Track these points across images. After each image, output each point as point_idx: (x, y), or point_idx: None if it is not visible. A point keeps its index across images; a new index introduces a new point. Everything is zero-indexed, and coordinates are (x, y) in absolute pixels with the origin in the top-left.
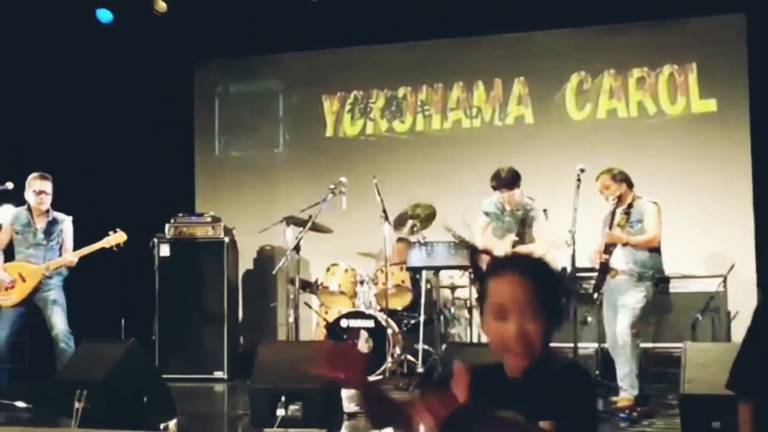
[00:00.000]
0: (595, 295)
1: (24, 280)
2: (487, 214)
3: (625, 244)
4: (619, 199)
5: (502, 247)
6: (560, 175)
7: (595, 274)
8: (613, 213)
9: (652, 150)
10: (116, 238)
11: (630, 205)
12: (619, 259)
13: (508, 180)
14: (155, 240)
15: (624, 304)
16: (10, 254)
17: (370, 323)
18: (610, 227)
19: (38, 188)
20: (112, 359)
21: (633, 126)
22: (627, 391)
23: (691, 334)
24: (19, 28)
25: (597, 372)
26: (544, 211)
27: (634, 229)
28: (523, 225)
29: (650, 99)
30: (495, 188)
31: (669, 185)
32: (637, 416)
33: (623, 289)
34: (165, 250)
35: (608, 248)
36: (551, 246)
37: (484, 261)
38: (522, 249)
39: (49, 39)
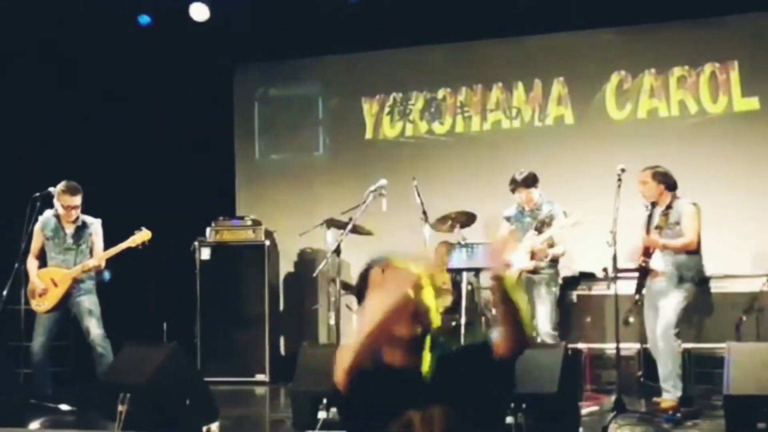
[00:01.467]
0: (637, 297)
1: (56, 285)
2: (508, 218)
3: (663, 248)
4: (657, 201)
5: (522, 248)
6: (601, 175)
7: (635, 274)
8: (650, 214)
9: (693, 149)
10: (141, 236)
11: (669, 207)
12: (659, 261)
13: (524, 180)
14: (196, 244)
15: (665, 305)
16: (42, 260)
17: None
18: (648, 229)
19: (68, 203)
20: (155, 362)
21: (674, 125)
22: (670, 393)
23: (735, 334)
24: (61, 32)
25: (639, 373)
26: (564, 212)
27: (672, 231)
28: (542, 224)
29: (691, 98)
30: (513, 190)
31: (711, 184)
32: (681, 417)
33: (664, 291)
34: (206, 254)
35: (647, 251)
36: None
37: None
38: (537, 248)
39: (92, 43)
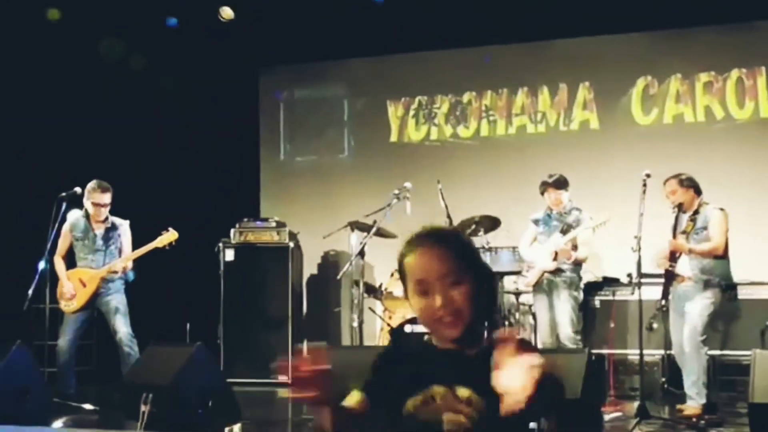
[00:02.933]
0: (662, 302)
1: (84, 285)
2: (536, 222)
3: (689, 252)
4: (682, 205)
5: (546, 249)
6: (626, 180)
7: (660, 280)
8: (676, 218)
9: (720, 155)
10: (168, 237)
11: (696, 212)
12: (685, 266)
13: (555, 181)
14: (220, 245)
15: (690, 310)
16: (71, 260)
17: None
18: (674, 234)
19: (98, 201)
20: (178, 363)
21: (700, 131)
22: (694, 400)
23: (761, 341)
24: (89, 33)
25: (663, 379)
26: (591, 219)
27: (699, 236)
28: (569, 227)
29: (718, 103)
30: (543, 192)
31: (737, 190)
32: (704, 424)
33: (690, 296)
34: (230, 255)
35: (673, 256)
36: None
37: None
38: (561, 248)
39: (119, 44)
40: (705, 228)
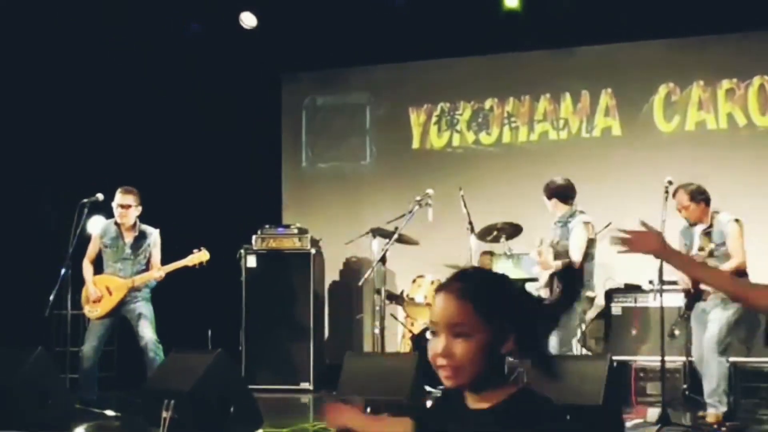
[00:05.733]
0: (686, 312)
1: (110, 293)
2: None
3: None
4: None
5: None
6: (648, 187)
7: (680, 286)
8: (685, 233)
9: (742, 162)
10: (199, 256)
11: (710, 225)
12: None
13: (544, 188)
14: (242, 251)
15: (714, 319)
16: (98, 266)
17: None
18: (688, 251)
19: (119, 202)
20: (200, 369)
21: (722, 138)
22: (715, 407)
23: None
24: (108, 42)
25: (685, 386)
26: (586, 224)
27: (719, 252)
28: (561, 236)
29: (740, 111)
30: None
31: (759, 198)
32: (726, 430)
33: (714, 306)
34: (252, 262)
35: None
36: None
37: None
38: (545, 259)
39: (139, 53)
40: (723, 243)
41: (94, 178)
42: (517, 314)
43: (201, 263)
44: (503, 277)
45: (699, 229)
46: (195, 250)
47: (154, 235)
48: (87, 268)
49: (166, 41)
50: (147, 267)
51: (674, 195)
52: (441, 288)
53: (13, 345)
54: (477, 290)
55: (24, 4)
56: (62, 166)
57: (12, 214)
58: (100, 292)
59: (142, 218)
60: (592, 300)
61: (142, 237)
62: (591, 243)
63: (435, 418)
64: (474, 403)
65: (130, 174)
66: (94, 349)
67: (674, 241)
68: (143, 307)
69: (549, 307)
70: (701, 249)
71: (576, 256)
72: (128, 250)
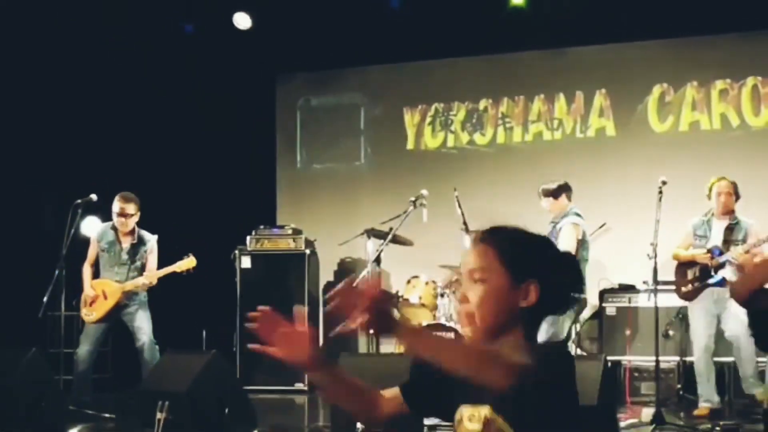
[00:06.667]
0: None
1: (106, 298)
2: None
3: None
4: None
5: None
6: (642, 187)
7: (673, 287)
8: (704, 223)
9: (735, 162)
10: (187, 263)
11: (736, 222)
12: (729, 272)
13: (538, 192)
14: (237, 252)
15: (738, 313)
16: (98, 268)
17: (451, 336)
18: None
19: (118, 210)
20: (194, 370)
21: (716, 138)
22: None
23: None
24: (102, 42)
25: (679, 386)
26: (573, 225)
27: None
28: (551, 237)
29: (733, 111)
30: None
31: (753, 198)
32: (720, 430)
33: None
34: (246, 262)
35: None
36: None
37: None
38: None
39: (134, 53)
40: (744, 240)
41: (89, 178)
42: (541, 264)
43: (189, 270)
44: (533, 234)
45: (721, 224)
46: (185, 257)
47: (152, 241)
48: (86, 271)
49: (161, 41)
50: (143, 272)
51: (718, 181)
52: (471, 242)
53: (7, 346)
54: (500, 236)
55: (22, 4)
56: (58, 167)
57: (6, 214)
58: (95, 297)
59: (139, 220)
60: (581, 301)
61: (139, 243)
62: (582, 244)
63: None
64: None
65: (126, 174)
66: (88, 353)
67: (676, 234)
68: (140, 309)
69: None
70: (726, 241)
71: None
72: (125, 256)
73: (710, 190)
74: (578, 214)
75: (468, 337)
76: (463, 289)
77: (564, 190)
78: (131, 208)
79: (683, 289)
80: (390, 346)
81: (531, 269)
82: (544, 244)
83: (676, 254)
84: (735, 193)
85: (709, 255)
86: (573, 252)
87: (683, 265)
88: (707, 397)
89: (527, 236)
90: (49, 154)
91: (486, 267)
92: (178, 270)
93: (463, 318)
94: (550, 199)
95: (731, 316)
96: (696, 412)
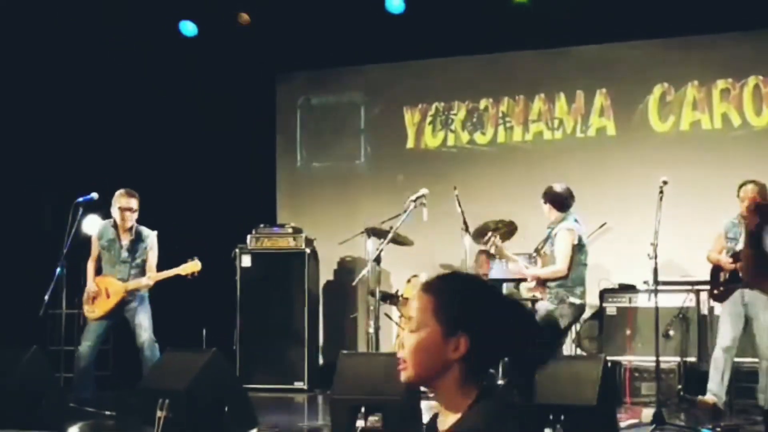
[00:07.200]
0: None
1: (108, 296)
2: None
3: None
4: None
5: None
6: (643, 187)
7: (675, 287)
8: (735, 226)
9: (736, 162)
10: (191, 266)
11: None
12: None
13: (543, 194)
14: (237, 251)
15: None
16: (99, 266)
17: None
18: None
19: (124, 205)
20: (194, 369)
21: (717, 138)
22: None
23: None
24: (102, 42)
25: (679, 386)
26: (568, 231)
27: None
28: (545, 242)
29: (735, 111)
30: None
31: None
32: (720, 431)
33: (763, 305)
34: (246, 261)
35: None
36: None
37: None
38: (527, 272)
39: (133, 52)
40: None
41: (89, 178)
42: (474, 319)
43: (193, 273)
44: (482, 284)
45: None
46: (189, 260)
47: (151, 237)
48: (90, 268)
49: (161, 41)
50: (144, 269)
51: (744, 186)
52: None
53: (8, 344)
54: (441, 286)
55: (21, 4)
56: (58, 166)
57: (7, 213)
58: (97, 294)
59: (138, 218)
60: (578, 306)
61: (138, 239)
62: (579, 249)
63: None
64: (445, 418)
65: (126, 173)
66: (90, 349)
67: (706, 235)
68: (141, 307)
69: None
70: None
71: (561, 264)
72: (125, 253)
73: (738, 192)
74: (576, 220)
75: (402, 382)
76: (402, 335)
77: (559, 201)
78: (135, 203)
79: (715, 291)
80: (390, 346)
81: (463, 323)
82: (486, 297)
83: (708, 257)
84: (763, 197)
85: (731, 260)
86: (568, 258)
87: (717, 268)
88: (716, 392)
89: (470, 288)
90: (48, 154)
91: (419, 318)
92: (183, 273)
93: (400, 364)
94: (548, 205)
95: (763, 329)
96: (700, 398)
